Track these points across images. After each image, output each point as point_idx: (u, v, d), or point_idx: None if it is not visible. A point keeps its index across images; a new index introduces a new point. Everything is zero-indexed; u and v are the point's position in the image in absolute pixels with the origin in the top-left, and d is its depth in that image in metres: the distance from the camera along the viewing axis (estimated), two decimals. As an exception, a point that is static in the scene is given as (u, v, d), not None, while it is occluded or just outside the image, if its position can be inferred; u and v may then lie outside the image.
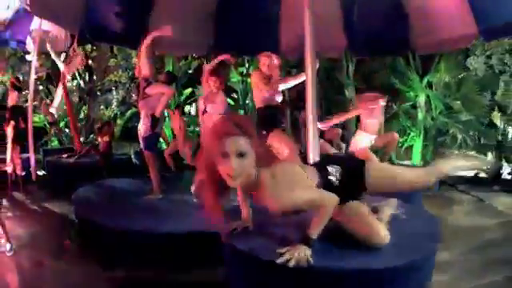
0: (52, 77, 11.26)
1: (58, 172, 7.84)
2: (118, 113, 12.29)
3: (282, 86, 5.41)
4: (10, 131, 7.27)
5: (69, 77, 9.56)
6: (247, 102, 10.35)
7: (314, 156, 4.41)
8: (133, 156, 8.99)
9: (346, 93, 9.37)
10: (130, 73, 11.90)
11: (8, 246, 4.28)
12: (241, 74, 10.29)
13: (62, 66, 8.49)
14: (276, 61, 5.26)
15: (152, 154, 5.60)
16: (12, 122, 7.32)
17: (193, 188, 5.27)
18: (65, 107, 8.94)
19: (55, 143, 11.17)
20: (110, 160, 7.90)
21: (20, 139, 7.60)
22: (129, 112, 12.01)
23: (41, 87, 11.63)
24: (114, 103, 12.49)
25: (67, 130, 10.98)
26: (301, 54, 4.74)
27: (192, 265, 3.92)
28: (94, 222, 4.49)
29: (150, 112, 5.48)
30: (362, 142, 6.39)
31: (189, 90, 11.20)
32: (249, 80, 9.52)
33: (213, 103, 5.62)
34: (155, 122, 5.52)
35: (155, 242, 4.04)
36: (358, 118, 6.95)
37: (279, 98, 5.39)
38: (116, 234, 4.19)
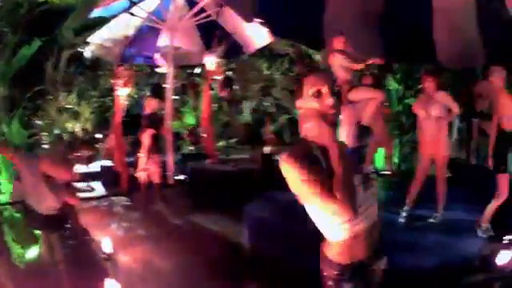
0: (188, 87, 12.04)
1: (201, 179, 8.07)
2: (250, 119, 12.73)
3: None
4: (146, 139, 7.16)
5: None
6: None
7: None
8: None
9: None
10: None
11: None
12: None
13: None
14: None
15: None
16: (150, 130, 7.19)
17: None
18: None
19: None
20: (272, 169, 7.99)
21: (159, 146, 7.58)
22: (281, 118, 12.18)
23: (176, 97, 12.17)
24: (247, 111, 12.92)
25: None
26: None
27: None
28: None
29: (354, 120, 5.08)
30: None
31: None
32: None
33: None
34: (362, 132, 5.22)
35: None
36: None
37: None
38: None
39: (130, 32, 8.90)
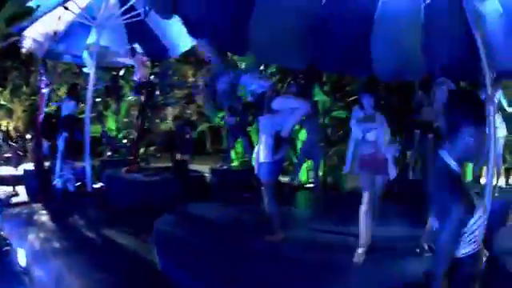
0: (111, 89, 11.29)
1: (119, 188, 7.48)
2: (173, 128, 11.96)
3: None
4: (61, 143, 6.82)
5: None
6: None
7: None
8: (208, 175, 8.65)
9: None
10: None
11: None
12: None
13: None
14: None
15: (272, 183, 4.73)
16: (64, 134, 6.85)
17: None
18: (125, 119, 8.82)
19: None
20: (186, 180, 7.51)
21: (73, 152, 7.15)
22: (201, 126, 11.92)
23: (97, 99, 11.51)
24: (170, 118, 12.40)
25: (125, 141, 10.90)
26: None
27: None
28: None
29: (272, 130, 4.69)
30: None
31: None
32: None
33: None
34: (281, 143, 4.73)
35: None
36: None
37: None
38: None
39: (61, 27, 8.17)
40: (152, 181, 7.45)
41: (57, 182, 6.83)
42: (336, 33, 5.84)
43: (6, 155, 9.62)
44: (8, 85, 9.19)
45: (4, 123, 9.45)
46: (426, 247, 4.38)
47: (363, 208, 4.27)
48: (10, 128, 9.76)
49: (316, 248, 4.60)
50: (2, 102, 9.29)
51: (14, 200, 7.54)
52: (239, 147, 10.10)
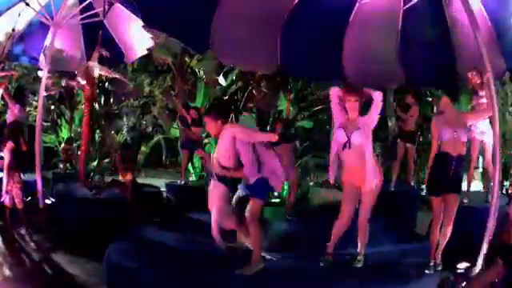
0: (65, 96, 10.63)
1: (70, 207, 6.66)
2: (128, 139, 11.63)
3: None
4: (6, 154, 5.90)
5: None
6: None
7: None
8: (164, 190, 7.96)
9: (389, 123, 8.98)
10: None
11: None
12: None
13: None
14: None
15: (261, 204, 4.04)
16: (9, 143, 5.91)
17: None
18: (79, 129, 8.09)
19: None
20: (139, 198, 6.58)
21: (20, 163, 6.14)
22: (155, 138, 11.28)
23: (52, 107, 10.86)
24: (125, 129, 11.75)
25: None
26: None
27: None
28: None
29: None
30: None
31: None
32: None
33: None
34: None
35: None
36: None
37: None
38: None
39: (19, 26, 7.46)
40: (104, 199, 6.63)
41: (5, 199, 6.00)
42: (307, 36, 5.50)
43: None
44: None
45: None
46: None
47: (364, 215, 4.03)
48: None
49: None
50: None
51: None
52: (196, 161, 9.60)
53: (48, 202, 7.18)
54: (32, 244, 5.79)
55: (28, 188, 6.61)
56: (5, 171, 5.95)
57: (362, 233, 4.09)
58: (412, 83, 5.64)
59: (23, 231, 6.06)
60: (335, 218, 4.06)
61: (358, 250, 4.10)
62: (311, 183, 9.24)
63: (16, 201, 5.98)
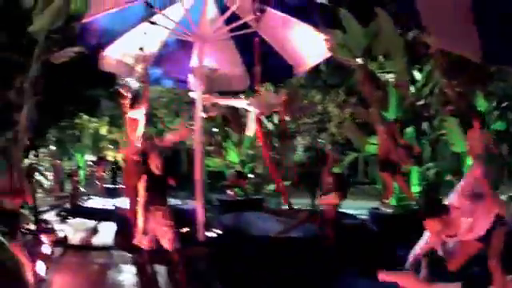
0: (228, 118, 10.35)
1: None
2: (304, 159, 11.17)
3: None
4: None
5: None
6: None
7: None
8: (368, 218, 6.84)
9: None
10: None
11: None
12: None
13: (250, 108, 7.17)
14: None
15: None
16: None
17: None
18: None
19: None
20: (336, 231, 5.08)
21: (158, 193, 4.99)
22: (349, 157, 9.96)
23: (215, 129, 10.71)
24: (300, 148, 11.77)
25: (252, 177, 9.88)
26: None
27: None
28: None
29: None
30: None
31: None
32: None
33: None
34: None
35: None
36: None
37: None
38: None
39: (151, 47, 7.03)
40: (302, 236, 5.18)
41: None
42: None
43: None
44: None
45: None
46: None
47: None
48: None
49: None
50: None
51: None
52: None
53: (211, 234, 6.31)
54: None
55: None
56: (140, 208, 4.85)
57: None
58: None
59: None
60: None
61: None
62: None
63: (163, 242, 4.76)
